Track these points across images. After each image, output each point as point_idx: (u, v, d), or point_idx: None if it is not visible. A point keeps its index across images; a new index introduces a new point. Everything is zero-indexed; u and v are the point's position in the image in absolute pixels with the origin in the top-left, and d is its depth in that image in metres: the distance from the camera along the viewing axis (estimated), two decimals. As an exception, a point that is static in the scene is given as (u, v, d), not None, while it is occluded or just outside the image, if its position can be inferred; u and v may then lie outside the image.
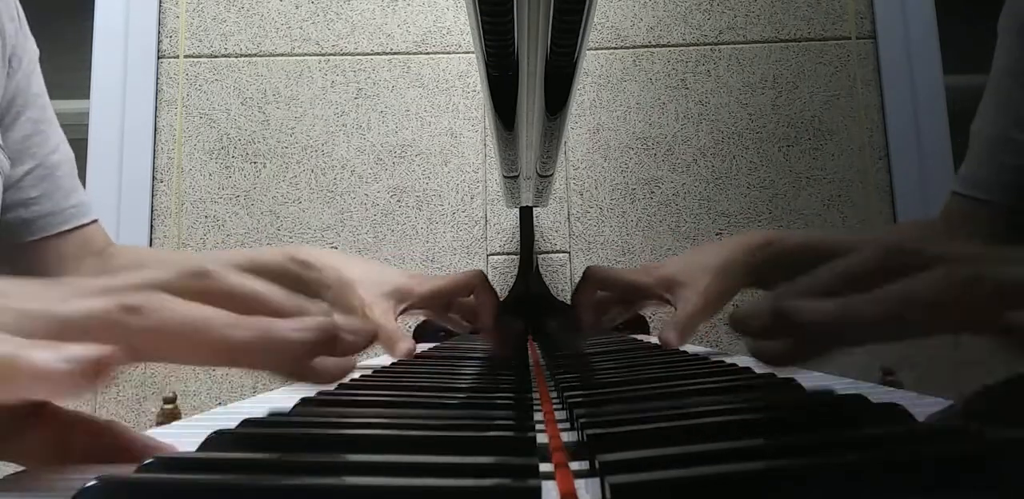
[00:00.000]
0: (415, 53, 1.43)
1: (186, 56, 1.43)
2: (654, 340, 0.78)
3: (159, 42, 1.43)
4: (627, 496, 0.18)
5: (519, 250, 1.26)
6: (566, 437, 0.30)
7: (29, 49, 0.67)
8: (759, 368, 0.47)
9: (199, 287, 0.27)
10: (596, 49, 1.43)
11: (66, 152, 0.71)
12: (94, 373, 0.21)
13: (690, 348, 0.73)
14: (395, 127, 1.41)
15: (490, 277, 1.37)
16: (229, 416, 0.35)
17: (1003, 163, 0.70)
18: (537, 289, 1.21)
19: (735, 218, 1.38)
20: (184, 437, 0.29)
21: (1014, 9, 0.69)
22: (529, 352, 0.76)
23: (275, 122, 1.41)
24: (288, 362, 0.27)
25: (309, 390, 0.48)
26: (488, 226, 1.38)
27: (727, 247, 0.68)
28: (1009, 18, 0.70)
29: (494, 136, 0.77)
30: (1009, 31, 0.70)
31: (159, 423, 1.12)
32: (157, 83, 1.42)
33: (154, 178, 1.40)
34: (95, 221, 0.73)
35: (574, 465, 0.25)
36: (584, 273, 0.71)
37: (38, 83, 0.68)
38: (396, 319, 0.61)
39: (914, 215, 1.34)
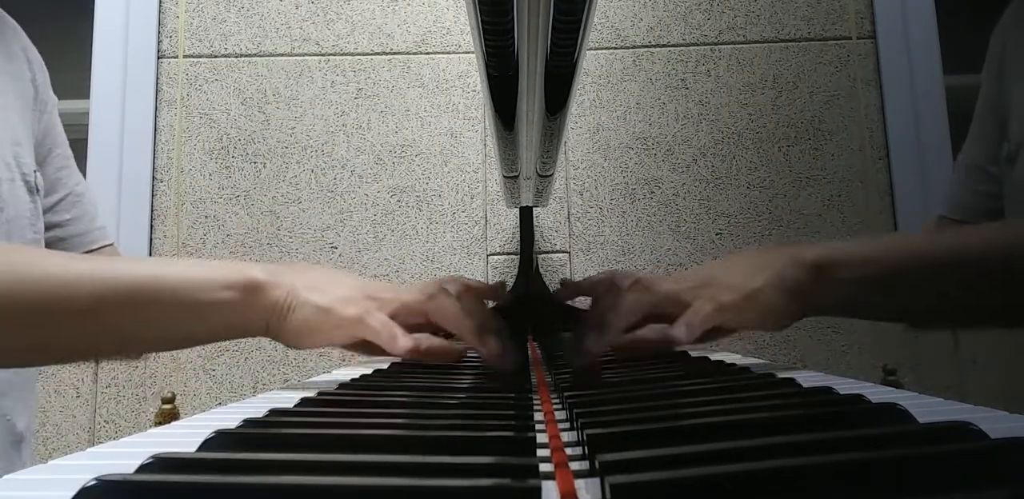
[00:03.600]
0: (415, 53, 1.43)
1: (186, 56, 1.43)
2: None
3: (159, 42, 1.43)
4: (627, 496, 0.18)
5: (519, 250, 1.26)
6: (566, 437, 0.30)
7: (52, 97, 0.79)
8: (758, 369, 0.47)
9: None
10: (596, 49, 1.43)
11: (86, 185, 0.83)
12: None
13: (689, 349, 0.73)
14: (395, 127, 1.41)
15: (490, 277, 1.37)
16: (229, 416, 0.35)
17: (977, 191, 0.80)
18: (537, 289, 1.21)
19: (735, 218, 1.37)
20: (184, 437, 0.29)
21: (994, 56, 0.78)
22: (529, 352, 0.76)
23: (275, 122, 1.41)
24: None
25: (309, 390, 0.48)
26: (488, 226, 1.38)
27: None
28: (991, 64, 0.79)
29: (494, 136, 0.77)
30: (989, 76, 0.79)
31: (158, 423, 1.11)
32: (157, 83, 1.42)
33: (154, 178, 1.40)
34: (112, 244, 0.84)
35: (574, 465, 0.25)
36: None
37: (60, 126, 0.80)
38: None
39: (914, 215, 1.34)
